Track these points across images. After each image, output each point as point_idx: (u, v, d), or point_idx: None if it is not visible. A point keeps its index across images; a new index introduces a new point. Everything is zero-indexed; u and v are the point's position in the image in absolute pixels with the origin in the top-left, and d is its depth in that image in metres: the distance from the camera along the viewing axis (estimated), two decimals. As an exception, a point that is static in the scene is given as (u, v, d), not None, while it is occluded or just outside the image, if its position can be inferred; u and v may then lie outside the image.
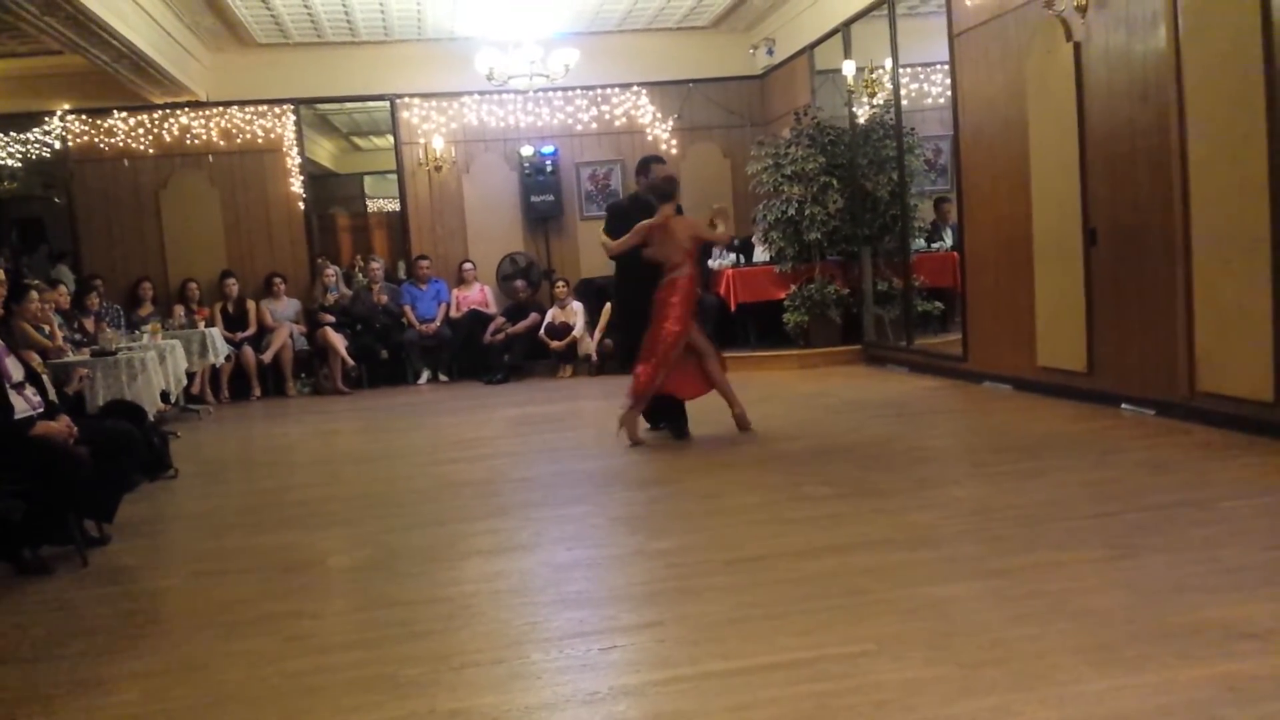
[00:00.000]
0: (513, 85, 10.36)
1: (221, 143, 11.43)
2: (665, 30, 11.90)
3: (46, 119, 11.12)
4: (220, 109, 11.41)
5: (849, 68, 9.84)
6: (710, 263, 11.08)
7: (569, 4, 10.59)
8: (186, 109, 11.31)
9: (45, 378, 5.20)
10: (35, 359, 6.00)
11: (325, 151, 16.67)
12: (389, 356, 11.21)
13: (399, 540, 4.70)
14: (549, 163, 11.79)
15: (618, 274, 7.28)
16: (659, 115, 12.09)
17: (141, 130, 11.29)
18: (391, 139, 12.12)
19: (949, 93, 8.35)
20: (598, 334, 10.91)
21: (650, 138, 11.89)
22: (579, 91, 11.88)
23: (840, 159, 10.17)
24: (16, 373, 4.75)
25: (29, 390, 4.76)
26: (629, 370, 6.70)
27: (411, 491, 5.80)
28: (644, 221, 6.54)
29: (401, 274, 12.63)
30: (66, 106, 11.10)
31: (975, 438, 6.51)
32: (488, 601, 3.71)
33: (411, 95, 11.74)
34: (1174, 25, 5.74)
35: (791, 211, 10.06)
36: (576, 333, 10.98)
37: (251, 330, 10.90)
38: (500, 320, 11.19)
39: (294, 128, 11.58)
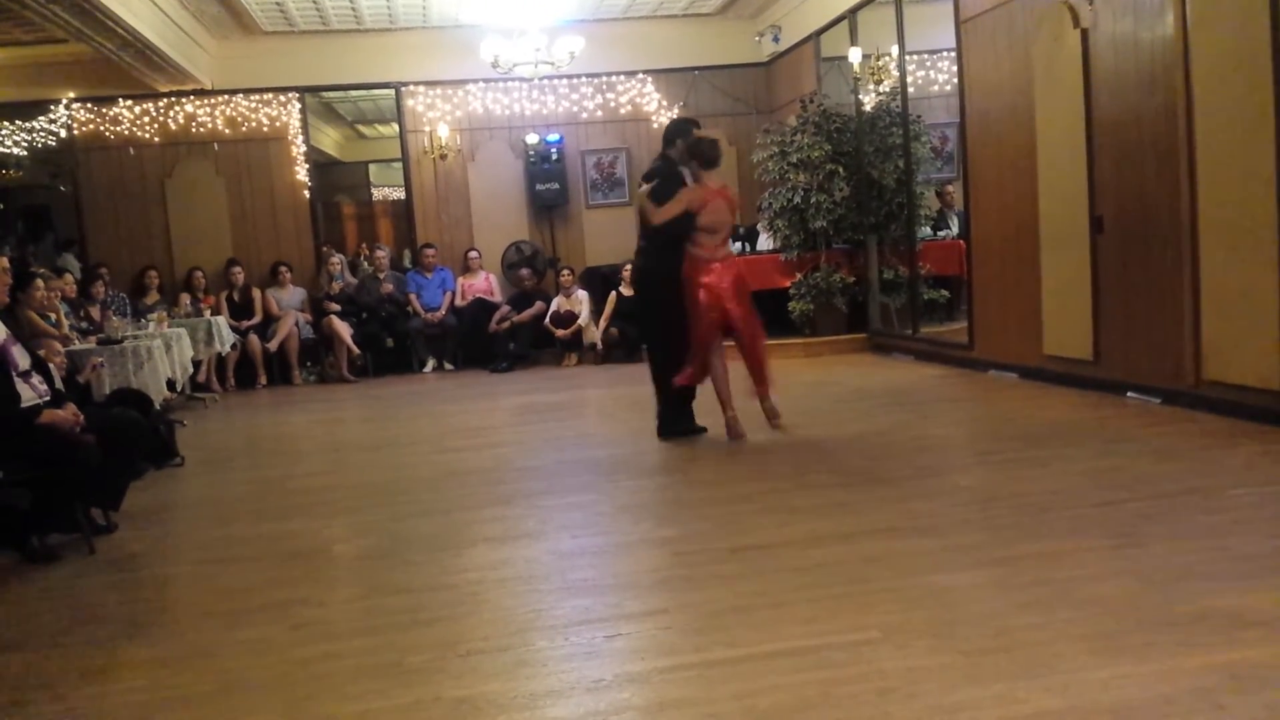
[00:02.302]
0: (518, 73, 10.35)
1: (227, 131, 11.43)
2: (671, 17, 11.86)
3: (52, 107, 11.12)
4: (225, 97, 11.41)
5: (855, 55, 9.81)
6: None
7: (574, -9, 10.58)
8: (192, 97, 11.30)
9: (54, 366, 5.20)
10: (56, 347, 6.02)
11: (330, 140, 16.68)
12: (394, 345, 11.24)
13: (404, 528, 4.71)
14: (554, 151, 11.78)
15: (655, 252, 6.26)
16: (664, 103, 12.06)
17: (147, 119, 11.29)
18: (396, 127, 12.13)
19: (956, 80, 8.32)
20: (603, 322, 10.90)
21: (656, 125, 11.85)
22: (584, 79, 11.86)
23: (846, 147, 10.14)
24: (23, 361, 4.76)
25: (35, 378, 4.77)
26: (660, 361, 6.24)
27: (417, 480, 5.81)
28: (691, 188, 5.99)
29: (407, 262, 12.64)
30: (72, 95, 11.10)
31: (980, 426, 6.50)
32: (493, 589, 3.72)
33: (416, 83, 11.73)
34: (1182, 12, 5.71)
35: (797, 199, 10.03)
36: (582, 321, 10.98)
37: (257, 319, 10.92)
38: (505, 309, 11.19)
39: (299, 116, 11.58)
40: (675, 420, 6.28)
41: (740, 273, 6.20)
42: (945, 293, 9.78)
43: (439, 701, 2.78)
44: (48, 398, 4.75)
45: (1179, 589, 3.19)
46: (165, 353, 7.86)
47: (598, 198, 12.04)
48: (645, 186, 6.24)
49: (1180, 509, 4.06)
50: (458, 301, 11.35)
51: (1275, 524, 3.83)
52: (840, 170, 9.98)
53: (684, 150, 6.16)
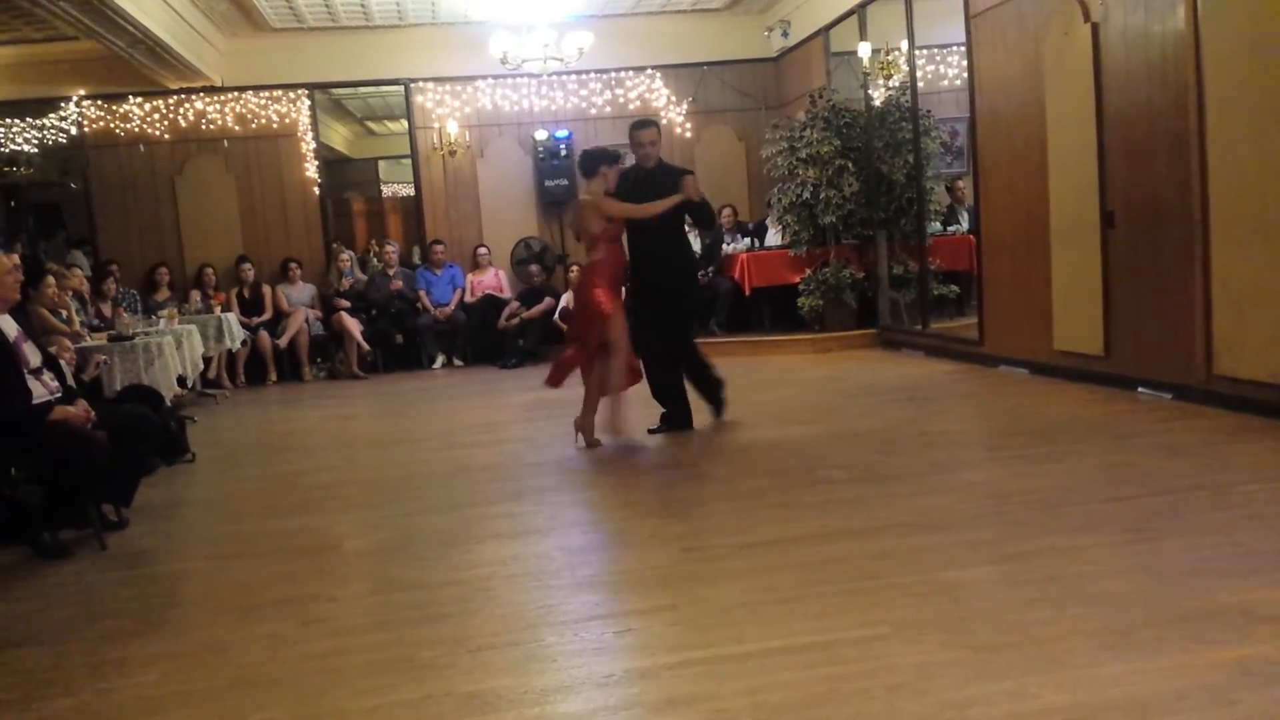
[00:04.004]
0: (527, 69, 10.34)
1: (237, 128, 11.46)
2: (679, 13, 11.84)
3: (62, 105, 11.16)
4: (235, 94, 11.43)
5: (865, 49, 9.78)
6: (725, 247, 11.06)
7: (583, -13, 10.56)
8: (201, 94, 11.33)
9: (64, 363, 5.23)
10: (66, 344, 6.04)
11: (340, 136, 16.68)
12: (404, 341, 11.24)
13: (415, 524, 4.73)
14: (563, 147, 11.76)
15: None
16: (673, 99, 12.05)
17: (157, 116, 11.32)
18: (406, 123, 12.13)
19: (965, 74, 8.29)
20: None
21: (665, 121, 11.83)
22: (593, 75, 11.85)
23: (856, 142, 10.12)
24: (34, 358, 4.77)
25: (46, 375, 4.79)
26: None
27: (427, 476, 5.82)
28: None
29: (416, 259, 12.64)
30: (82, 92, 11.13)
31: (990, 422, 6.49)
32: (503, 585, 3.72)
33: (426, 79, 11.73)
34: (1193, 5, 5.68)
35: (806, 195, 10.01)
36: (591, 317, 10.96)
37: (267, 315, 10.94)
38: (515, 305, 11.20)
39: (309, 112, 11.59)
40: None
41: (579, 281, 6.79)
42: (955, 288, 9.75)
43: (449, 696, 2.79)
44: (59, 394, 4.77)
45: (1190, 584, 3.18)
46: (176, 349, 7.88)
47: (606, 194, 12.04)
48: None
49: (1191, 504, 4.05)
50: (467, 298, 11.36)
51: (1287, 519, 3.81)
52: (849, 165, 9.95)
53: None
